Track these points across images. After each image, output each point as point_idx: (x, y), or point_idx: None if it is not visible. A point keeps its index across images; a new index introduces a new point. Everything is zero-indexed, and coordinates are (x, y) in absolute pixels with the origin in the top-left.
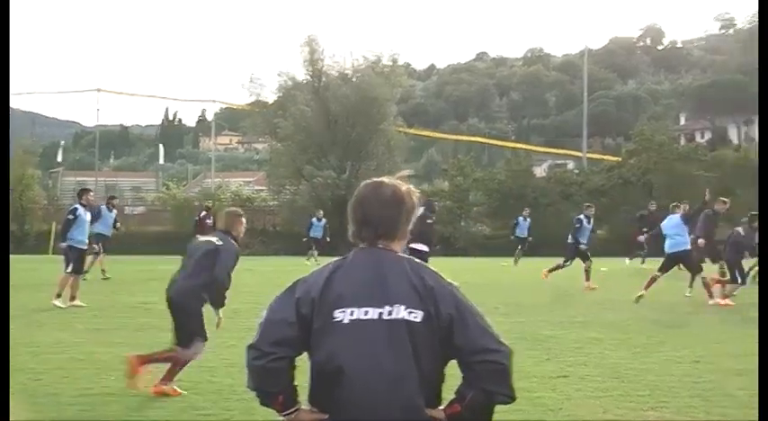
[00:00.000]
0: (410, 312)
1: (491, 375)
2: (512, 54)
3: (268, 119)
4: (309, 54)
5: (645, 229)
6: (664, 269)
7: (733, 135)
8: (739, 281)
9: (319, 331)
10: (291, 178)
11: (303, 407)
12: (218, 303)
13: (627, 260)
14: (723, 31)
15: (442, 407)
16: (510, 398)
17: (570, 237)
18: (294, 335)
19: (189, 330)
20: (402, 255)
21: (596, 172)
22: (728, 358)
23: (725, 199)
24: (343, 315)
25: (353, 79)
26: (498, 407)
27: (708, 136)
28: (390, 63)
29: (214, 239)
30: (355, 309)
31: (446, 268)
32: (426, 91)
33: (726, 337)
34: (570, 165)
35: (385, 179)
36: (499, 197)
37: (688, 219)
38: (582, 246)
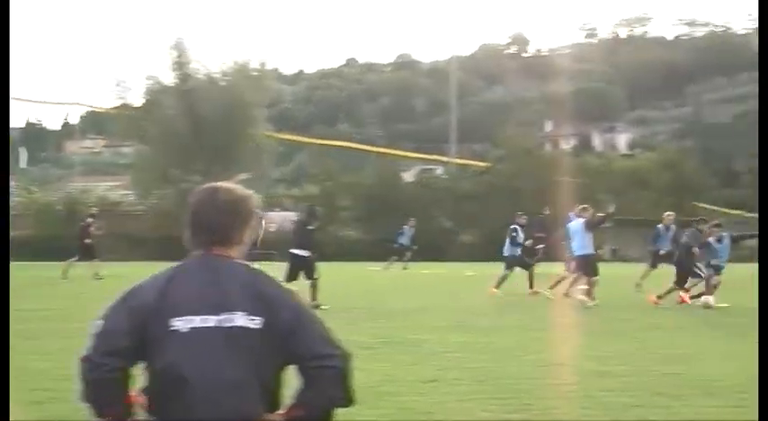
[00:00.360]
0: (249, 319)
1: (329, 380)
2: (381, 60)
3: (134, 122)
4: (177, 57)
5: (542, 235)
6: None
7: (596, 142)
8: (703, 274)
9: (156, 340)
10: (158, 182)
11: (139, 418)
12: None
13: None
14: (587, 40)
15: (281, 412)
16: (349, 401)
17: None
18: (128, 345)
19: None
20: (240, 261)
21: (465, 177)
22: (590, 360)
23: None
24: (181, 323)
25: (222, 83)
26: (370, 413)
27: (572, 142)
28: (259, 67)
29: None
30: (193, 318)
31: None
32: (295, 96)
33: (588, 341)
34: (439, 170)
35: (222, 184)
36: (368, 202)
37: (590, 226)
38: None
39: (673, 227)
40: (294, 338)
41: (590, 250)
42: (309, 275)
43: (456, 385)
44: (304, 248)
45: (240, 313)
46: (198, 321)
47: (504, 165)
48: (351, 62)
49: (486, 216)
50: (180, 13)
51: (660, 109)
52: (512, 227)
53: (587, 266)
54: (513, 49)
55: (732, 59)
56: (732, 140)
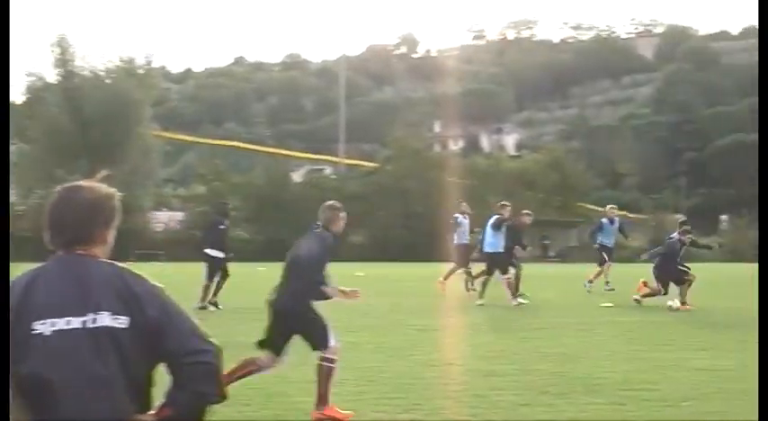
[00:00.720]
0: (114, 318)
1: (201, 376)
2: (270, 59)
3: (15, 120)
4: (60, 54)
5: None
6: (485, 270)
7: (484, 143)
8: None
9: (20, 344)
10: (41, 182)
11: None
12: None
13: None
14: (476, 41)
15: (152, 412)
16: (221, 397)
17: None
18: None
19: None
20: (104, 260)
21: (353, 177)
22: (479, 360)
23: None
24: (44, 327)
25: (107, 81)
26: (251, 413)
27: (461, 143)
28: (145, 65)
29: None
30: (57, 320)
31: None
32: (183, 94)
33: (477, 341)
34: (328, 170)
35: (83, 182)
36: (257, 202)
37: (499, 226)
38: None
39: (617, 219)
40: (163, 335)
41: (498, 248)
42: (222, 275)
43: (345, 385)
44: (217, 249)
45: (105, 313)
46: (62, 323)
47: (393, 166)
48: (239, 61)
49: (375, 216)
50: (62, 7)
51: (546, 110)
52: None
53: (494, 263)
54: (401, 50)
55: (616, 63)
56: (616, 142)
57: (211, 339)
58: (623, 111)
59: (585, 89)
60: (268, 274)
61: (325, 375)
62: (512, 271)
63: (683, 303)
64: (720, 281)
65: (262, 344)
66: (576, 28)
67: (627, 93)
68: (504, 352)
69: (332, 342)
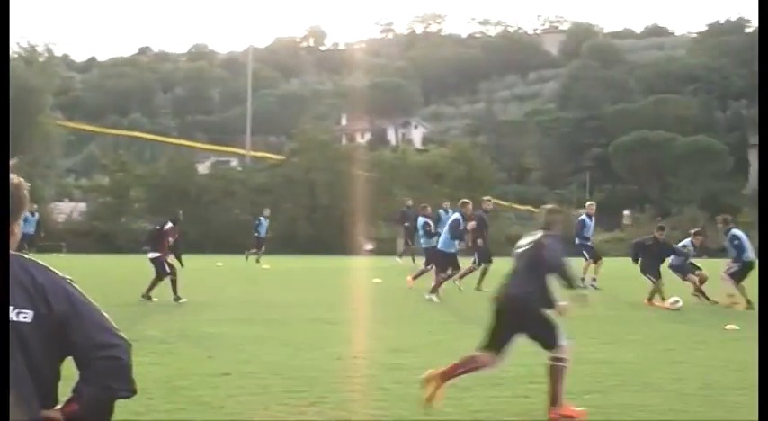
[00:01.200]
0: (18, 313)
1: (110, 371)
2: (176, 49)
3: None
4: None
5: (407, 224)
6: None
7: (391, 136)
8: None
9: None
10: None
11: None
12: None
13: (398, 259)
14: (383, 35)
15: (58, 407)
16: (131, 392)
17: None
18: None
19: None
20: (11, 252)
21: (260, 170)
22: (385, 353)
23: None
24: None
25: None
26: (154, 407)
27: (368, 136)
28: (46, 53)
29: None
30: None
31: (107, 265)
32: (86, 83)
33: (383, 334)
34: (234, 162)
35: None
36: (161, 193)
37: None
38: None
39: (593, 218)
40: (70, 328)
41: (451, 248)
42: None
43: (250, 378)
44: (154, 249)
45: (10, 307)
46: None
47: (299, 158)
48: (145, 51)
49: (281, 209)
50: None
51: (454, 105)
52: (423, 221)
53: (439, 260)
54: (309, 42)
55: (523, 58)
56: (522, 137)
57: (121, 333)
58: (529, 107)
59: (493, 84)
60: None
61: (556, 375)
62: (449, 271)
63: (649, 299)
64: (623, 275)
65: (486, 344)
66: (484, 23)
67: (533, 88)
68: (411, 345)
69: (562, 341)
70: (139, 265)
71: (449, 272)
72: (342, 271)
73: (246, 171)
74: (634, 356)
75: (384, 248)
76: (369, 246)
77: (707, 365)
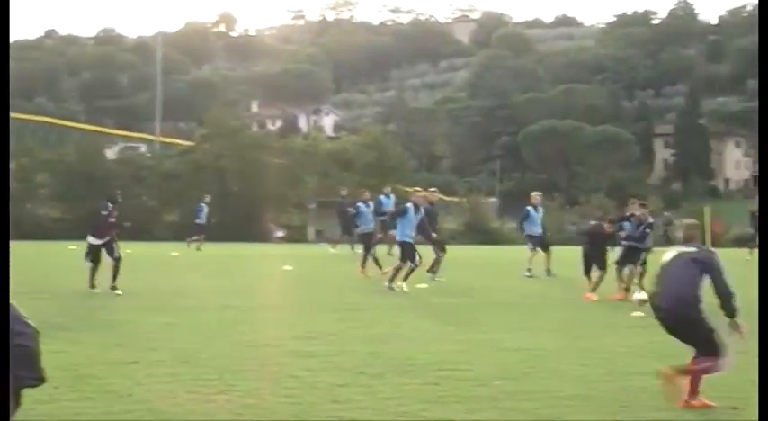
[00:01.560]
0: None
1: (18, 359)
2: (83, 33)
3: None
4: None
5: (347, 211)
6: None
7: (302, 123)
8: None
9: None
10: None
11: None
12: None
13: (330, 248)
14: (295, 21)
15: None
16: (39, 380)
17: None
18: None
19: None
20: None
21: (169, 156)
22: (296, 340)
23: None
24: None
25: None
26: (59, 395)
27: (279, 123)
28: None
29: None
30: None
31: (12, 252)
32: None
33: (294, 322)
34: (143, 148)
35: None
36: (68, 179)
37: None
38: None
39: (540, 208)
40: None
41: (405, 237)
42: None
43: (159, 366)
44: (95, 236)
45: None
46: None
47: (209, 145)
48: (51, 34)
49: (191, 195)
50: None
51: (365, 93)
52: (358, 204)
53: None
54: (220, 28)
55: (435, 47)
56: (433, 125)
57: (29, 321)
58: (440, 95)
59: (404, 72)
60: (78, 253)
61: (701, 370)
62: (410, 263)
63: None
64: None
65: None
66: (395, 11)
67: (444, 76)
68: (321, 333)
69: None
70: (45, 252)
71: (410, 262)
72: (252, 258)
73: (155, 157)
74: (548, 344)
75: (294, 235)
76: (279, 234)
77: (613, 351)
